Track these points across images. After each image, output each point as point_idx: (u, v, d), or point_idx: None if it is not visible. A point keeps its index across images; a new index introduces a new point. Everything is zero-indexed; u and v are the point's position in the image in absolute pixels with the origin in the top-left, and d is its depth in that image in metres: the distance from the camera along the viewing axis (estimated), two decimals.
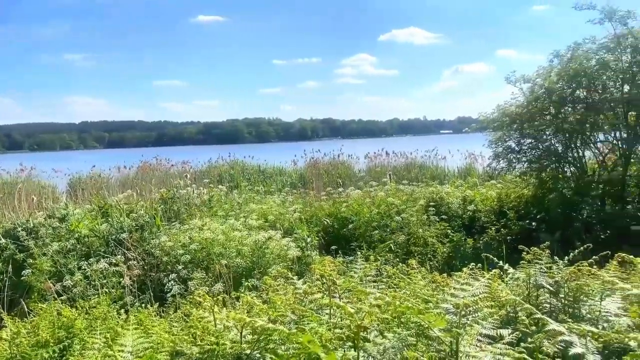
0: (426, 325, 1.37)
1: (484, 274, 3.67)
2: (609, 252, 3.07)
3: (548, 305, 3.11)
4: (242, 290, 4.71)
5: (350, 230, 8.12)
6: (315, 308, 1.86)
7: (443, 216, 8.24)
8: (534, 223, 7.94)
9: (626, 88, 7.69)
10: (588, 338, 1.71)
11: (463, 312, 1.41)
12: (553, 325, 1.58)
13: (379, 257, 6.94)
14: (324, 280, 2.41)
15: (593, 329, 1.59)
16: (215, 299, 1.99)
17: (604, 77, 7.90)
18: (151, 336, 2.27)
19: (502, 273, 3.47)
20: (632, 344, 1.38)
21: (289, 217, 8.18)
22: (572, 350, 1.51)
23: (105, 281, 5.77)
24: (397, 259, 6.69)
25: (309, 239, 7.28)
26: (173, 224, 7.49)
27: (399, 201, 8.70)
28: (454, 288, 1.82)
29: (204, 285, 5.44)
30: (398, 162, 16.47)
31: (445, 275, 2.75)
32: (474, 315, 1.76)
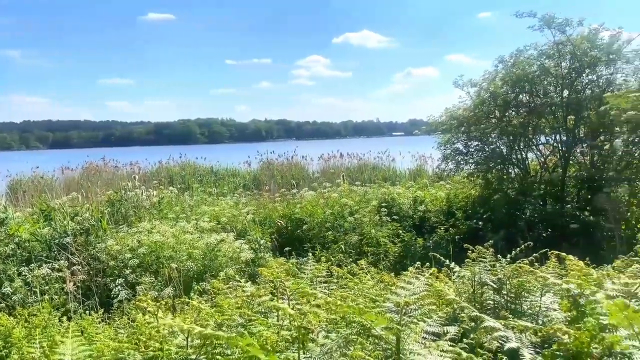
0: (368, 325, 1.39)
1: (431, 272, 3.78)
2: (548, 250, 3.21)
3: (492, 302, 3.23)
4: (193, 294, 4.62)
5: (304, 232, 8.14)
6: (265, 311, 1.86)
7: (395, 216, 8.40)
8: (480, 222, 8.22)
9: (565, 93, 8.10)
10: (527, 333, 1.78)
11: (404, 310, 1.44)
12: (489, 322, 1.64)
13: (332, 258, 7.02)
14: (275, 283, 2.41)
15: (528, 324, 1.67)
16: (160, 303, 1.94)
17: (545, 83, 8.28)
18: (94, 344, 2.20)
19: (449, 271, 3.58)
20: (565, 337, 1.46)
21: (242, 219, 8.11)
22: (507, 345, 1.57)
23: (47, 287, 5.53)
24: (350, 259, 6.76)
25: (262, 241, 7.24)
26: (121, 227, 7.26)
27: (352, 202, 8.80)
28: (397, 287, 1.86)
29: (153, 290, 5.30)
30: (351, 164, 16.64)
31: (392, 274, 2.81)
32: (418, 313, 1.80)
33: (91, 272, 6.07)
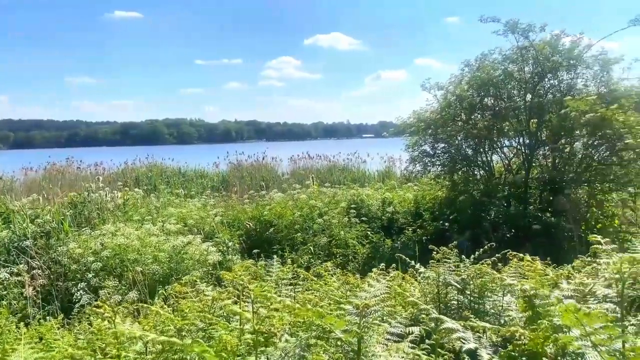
0: (328, 328, 1.39)
1: (397, 274, 3.82)
2: (509, 250, 3.28)
3: (456, 302, 3.29)
4: (157, 298, 4.54)
5: (273, 234, 8.10)
6: (228, 315, 1.83)
7: (363, 218, 8.45)
8: (447, 223, 8.35)
9: (528, 97, 8.31)
10: (488, 333, 1.82)
11: (364, 313, 1.45)
12: (448, 323, 1.66)
13: (301, 260, 7.01)
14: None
15: (487, 324, 1.70)
16: (118, 308, 1.89)
17: (509, 87, 8.48)
18: (52, 350, 2.12)
19: (415, 272, 3.62)
20: (521, 337, 1.50)
21: (210, 220, 8.01)
22: (466, 346, 1.60)
23: (5, 293, 5.33)
24: (320, 261, 6.77)
25: (230, 243, 7.18)
26: (83, 229, 7.07)
27: (322, 204, 8.81)
28: (360, 289, 1.86)
29: (116, 294, 5.18)
30: (321, 165, 16.66)
31: (359, 276, 2.82)
32: (378, 315, 1.81)
33: (52, 277, 5.89)
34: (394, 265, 4.03)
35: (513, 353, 1.46)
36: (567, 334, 1.42)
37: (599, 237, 1.88)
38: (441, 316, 1.68)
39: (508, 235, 7.56)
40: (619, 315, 2.52)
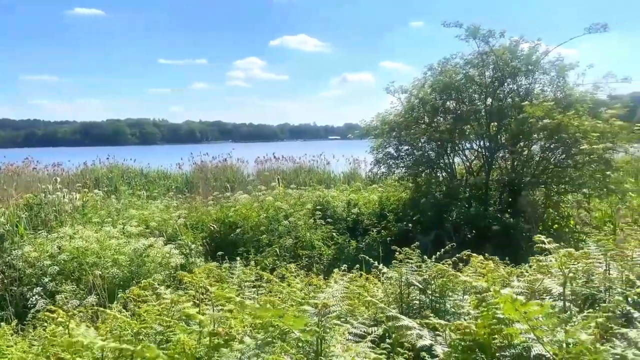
0: (287, 329, 1.39)
1: (361, 274, 3.86)
2: (469, 250, 3.36)
3: (418, 302, 3.34)
4: (116, 302, 4.43)
5: (238, 235, 8.02)
6: (187, 318, 1.81)
7: (329, 219, 8.48)
8: (410, 224, 8.47)
9: (489, 101, 8.54)
10: (447, 330, 1.86)
11: (322, 312, 1.46)
12: (405, 321, 1.69)
13: (266, 262, 6.98)
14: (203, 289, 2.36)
15: (441, 321, 1.74)
16: (72, 313, 1.84)
17: (470, 91, 8.70)
18: (5, 357, 2.04)
19: (378, 273, 3.66)
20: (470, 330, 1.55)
21: (173, 222, 7.87)
22: (420, 342, 1.63)
23: None
24: (285, 263, 6.75)
25: (193, 246, 7.07)
26: (40, 232, 6.82)
27: (287, 205, 8.79)
28: (320, 290, 1.88)
29: (74, 299, 5.02)
30: (287, 167, 16.63)
31: (323, 277, 2.83)
32: (335, 315, 1.82)
33: (5, 281, 5.66)
34: (357, 266, 4.07)
35: (462, 342, 1.51)
36: (514, 326, 1.48)
37: (543, 237, 1.96)
38: (397, 314, 1.71)
39: (469, 236, 7.73)
40: (572, 311, 2.62)
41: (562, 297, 3.04)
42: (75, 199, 8.53)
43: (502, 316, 1.44)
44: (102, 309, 2.15)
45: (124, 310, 2.37)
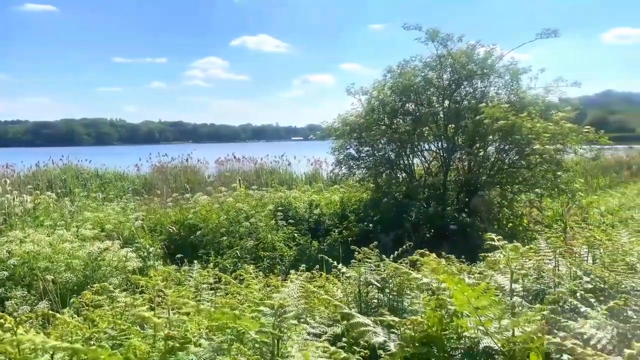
0: (242, 330, 1.39)
1: (322, 274, 3.88)
2: (425, 249, 3.43)
3: (376, 301, 3.39)
4: (69, 308, 4.29)
5: (198, 238, 7.91)
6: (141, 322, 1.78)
7: (291, 220, 8.47)
8: (371, 225, 8.57)
9: (446, 103, 8.75)
10: (403, 327, 1.90)
11: (278, 313, 1.46)
12: (359, 319, 1.72)
13: (227, 264, 6.90)
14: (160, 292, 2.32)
15: (395, 318, 1.78)
16: (20, 318, 1.77)
17: (429, 93, 8.88)
18: None
19: (338, 273, 3.69)
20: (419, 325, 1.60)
21: (130, 225, 7.68)
22: (374, 339, 1.67)
23: None
24: (246, 265, 6.69)
25: (151, 249, 6.92)
26: None
27: (248, 207, 8.72)
28: (276, 290, 1.88)
29: (25, 305, 4.83)
30: (249, 168, 16.50)
31: (280, 278, 2.83)
32: (298, 315, 1.83)
33: None
34: (317, 266, 4.09)
35: (413, 334, 1.55)
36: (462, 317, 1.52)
37: (492, 235, 2.03)
38: (351, 312, 1.74)
39: (428, 235, 7.89)
40: (523, 305, 2.72)
41: (514, 293, 3.15)
42: (27, 201, 8.20)
43: (451, 308, 1.49)
44: (53, 314, 2.07)
45: (75, 316, 2.30)
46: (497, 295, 2.96)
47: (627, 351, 1.37)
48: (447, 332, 1.60)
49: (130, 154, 20.78)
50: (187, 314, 1.41)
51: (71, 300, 4.58)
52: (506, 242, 1.97)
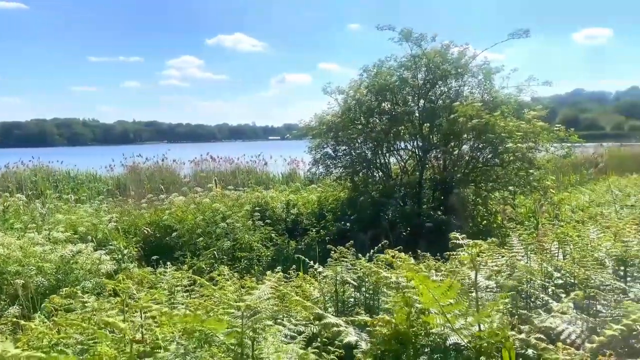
0: (211, 333, 1.38)
1: (298, 274, 3.88)
2: (401, 247, 3.45)
3: (353, 299, 3.41)
4: (39, 313, 4.19)
5: (173, 239, 7.82)
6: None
7: (268, 220, 8.43)
8: (348, 223, 8.59)
9: (422, 103, 8.83)
10: (374, 327, 1.91)
11: (247, 314, 1.45)
12: (331, 319, 1.72)
13: (203, 265, 6.84)
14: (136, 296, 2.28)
15: (367, 318, 1.79)
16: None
17: (404, 92, 8.95)
18: None
19: (315, 272, 3.69)
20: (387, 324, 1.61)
21: (103, 227, 7.54)
22: (346, 339, 1.67)
23: None
24: (223, 266, 6.63)
25: (126, 251, 6.82)
26: None
27: (225, 207, 8.65)
28: (247, 292, 1.87)
29: None
30: (225, 168, 16.38)
31: (255, 279, 2.81)
32: (264, 316, 1.82)
33: None
34: (294, 266, 4.08)
35: (382, 332, 1.56)
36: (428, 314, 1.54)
37: (457, 234, 2.05)
38: (324, 313, 1.74)
39: (404, 233, 7.96)
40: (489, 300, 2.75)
41: (487, 290, 3.20)
42: None
43: (419, 305, 1.51)
44: (18, 321, 2.02)
45: (46, 321, 2.25)
46: (470, 291, 3.01)
47: (587, 345, 1.40)
48: (415, 329, 1.61)
49: (103, 155, 20.41)
50: (154, 317, 1.39)
51: (42, 305, 4.47)
52: (470, 240, 1.99)
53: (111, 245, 6.86)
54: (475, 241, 1.79)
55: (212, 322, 1.21)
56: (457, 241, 1.93)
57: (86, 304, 1.77)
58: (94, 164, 16.83)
